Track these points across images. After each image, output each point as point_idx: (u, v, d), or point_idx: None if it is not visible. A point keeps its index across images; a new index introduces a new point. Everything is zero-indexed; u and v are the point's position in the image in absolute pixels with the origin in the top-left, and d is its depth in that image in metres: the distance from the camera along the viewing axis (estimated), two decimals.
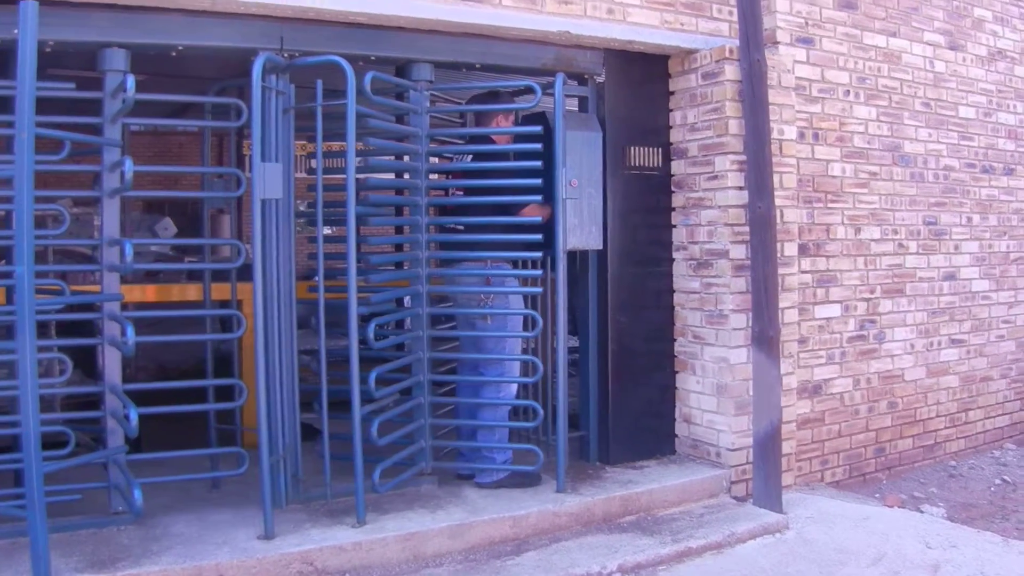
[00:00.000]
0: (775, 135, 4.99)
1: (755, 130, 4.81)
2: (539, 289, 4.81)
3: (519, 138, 4.78)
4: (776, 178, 4.95)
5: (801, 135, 5.33)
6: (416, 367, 4.55)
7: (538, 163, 4.45)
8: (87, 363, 4.70)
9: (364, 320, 4.15)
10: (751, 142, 4.82)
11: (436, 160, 5.12)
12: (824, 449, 5.51)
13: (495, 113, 4.81)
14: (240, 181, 4.24)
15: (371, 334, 4.10)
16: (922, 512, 5.06)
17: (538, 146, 4.50)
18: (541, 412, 4.58)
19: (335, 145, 4.59)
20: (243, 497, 4.23)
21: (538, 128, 4.59)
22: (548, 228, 4.63)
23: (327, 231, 4.38)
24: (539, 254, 4.69)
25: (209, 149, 4.82)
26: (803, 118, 5.35)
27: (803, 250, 5.35)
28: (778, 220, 4.93)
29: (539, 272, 4.89)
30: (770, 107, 4.86)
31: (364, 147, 4.40)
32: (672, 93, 5.28)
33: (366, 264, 4.55)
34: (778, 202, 4.94)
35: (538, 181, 4.45)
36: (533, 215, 4.62)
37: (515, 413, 5.13)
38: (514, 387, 4.77)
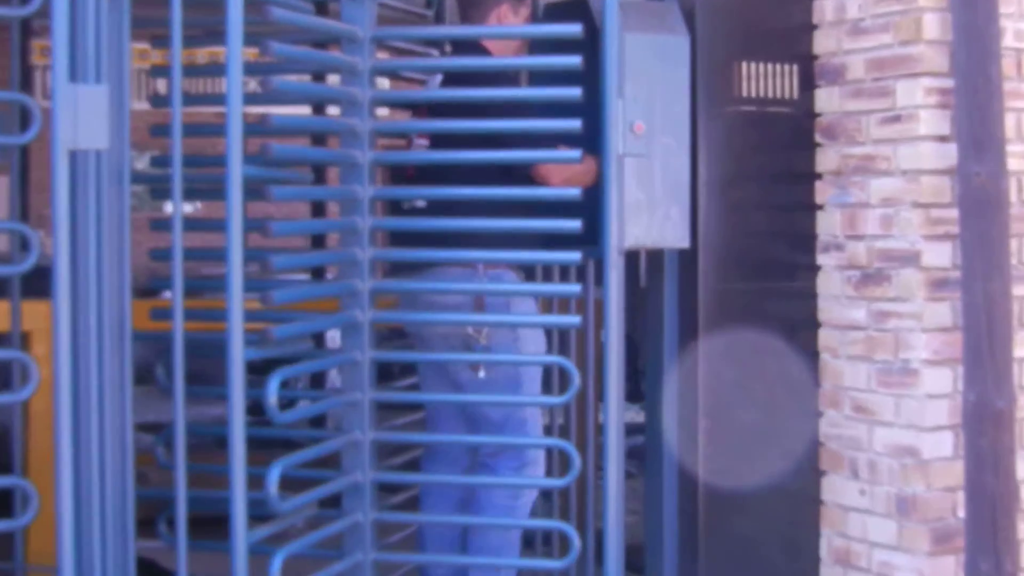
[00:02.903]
0: (1009, 43, 4.71)
1: (971, 32, 4.53)
2: (575, 319, 4.70)
3: (539, 46, 4.76)
4: (1011, 121, 4.67)
5: None
6: (350, 458, 4.31)
7: (575, 91, 4.16)
8: None
9: (256, 372, 3.91)
10: (963, 56, 4.56)
11: (388, 85, 4.96)
12: None
13: (496, 1, 4.74)
14: (31, 116, 3.88)
15: (272, 397, 3.83)
16: None
17: (576, 59, 4.20)
18: (577, 541, 4.29)
19: (204, 53, 4.35)
20: None
21: (576, 28, 4.29)
22: (591, 208, 4.32)
23: (189, 208, 4.01)
24: (576, 256, 4.41)
25: None
26: None
27: None
28: (1014, 199, 4.65)
29: (575, 289, 4.67)
30: None
31: (260, 58, 4.18)
32: None
33: (261, 269, 4.31)
34: (1014, 166, 4.65)
35: (575, 123, 4.18)
36: (566, 183, 4.41)
37: (529, 543, 5.01)
38: (528, 495, 4.70)
